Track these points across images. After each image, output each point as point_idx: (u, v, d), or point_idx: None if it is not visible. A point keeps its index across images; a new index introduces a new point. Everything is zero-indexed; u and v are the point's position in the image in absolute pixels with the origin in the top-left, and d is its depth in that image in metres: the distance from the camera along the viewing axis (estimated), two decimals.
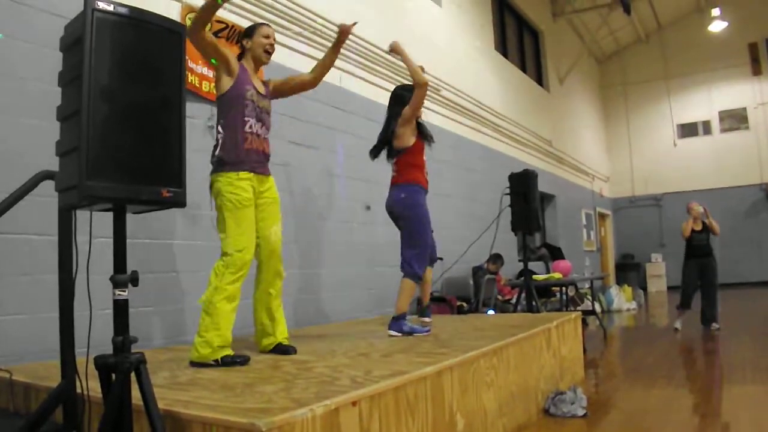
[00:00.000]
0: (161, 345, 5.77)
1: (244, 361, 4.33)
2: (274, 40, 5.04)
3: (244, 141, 4.66)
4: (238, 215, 4.55)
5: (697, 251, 11.23)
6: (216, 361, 4.31)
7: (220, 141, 4.66)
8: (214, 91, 6.48)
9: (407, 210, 6.03)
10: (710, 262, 11.17)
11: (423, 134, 6.26)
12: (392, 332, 5.86)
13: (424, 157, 6.26)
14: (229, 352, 4.37)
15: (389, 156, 6.28)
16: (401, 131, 6.12)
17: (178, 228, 6.25)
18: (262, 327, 4.91)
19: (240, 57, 4.96)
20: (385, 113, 6.35)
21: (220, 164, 4.63)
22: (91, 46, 2.51)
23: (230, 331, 4.42)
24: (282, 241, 4.90)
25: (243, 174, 4.63)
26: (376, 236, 8.29)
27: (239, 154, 4.64)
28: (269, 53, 5.00)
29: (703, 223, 11.32)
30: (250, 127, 4.71)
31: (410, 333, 5.79)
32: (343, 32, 5.26)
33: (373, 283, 8.57)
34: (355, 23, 5.31)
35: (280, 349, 4.81)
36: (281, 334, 4.90)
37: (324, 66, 5.36)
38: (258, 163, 4.75)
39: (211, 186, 4.66)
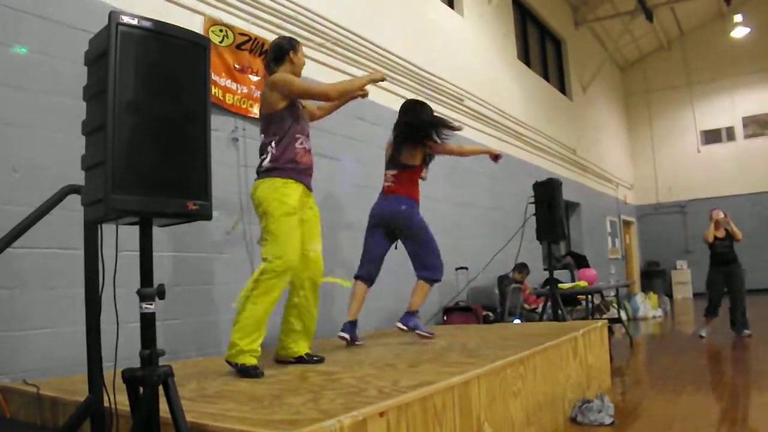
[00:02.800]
0: (188, 358, 5.78)
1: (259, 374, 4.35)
2: None
3: (296, 155, 4.83)
4: (281, 222, 4.63)
5: (721, 258, 11.12)
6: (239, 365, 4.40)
7: (271, 153, 4.79)
8: (238, 104, 6.55)
9: (411, 221, 6.24)
10: (735, 270, 11.02)
11: (426, 158, 6.44)
12: (399, 325, 6.23)
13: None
14: (252, 361, 4.40)
15: (391, 166, 6.40)
16: (414, 152, 6.29)
17: (205, 241, 6.27)
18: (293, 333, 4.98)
19: (271, 70, 5.05)
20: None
21: (266, 171, 4.76)
22: (115, 59, 2.51)
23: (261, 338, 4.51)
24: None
25: (290, 182, 4.76)
26: (400, 247, 8.25)
27: (290, 164, 4.80)
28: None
29: (726, 230, 11.17)
30: (302, 143, 4.90)
31: (414, 329, 6.21)
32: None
33: (398, 293, 8.53)
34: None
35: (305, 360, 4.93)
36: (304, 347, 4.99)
37: (332, 109, 5.70)
38: (307, 176, 4.94)
39: (253, 193, 4.79)
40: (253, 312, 4.43)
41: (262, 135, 4.89)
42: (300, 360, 4.90)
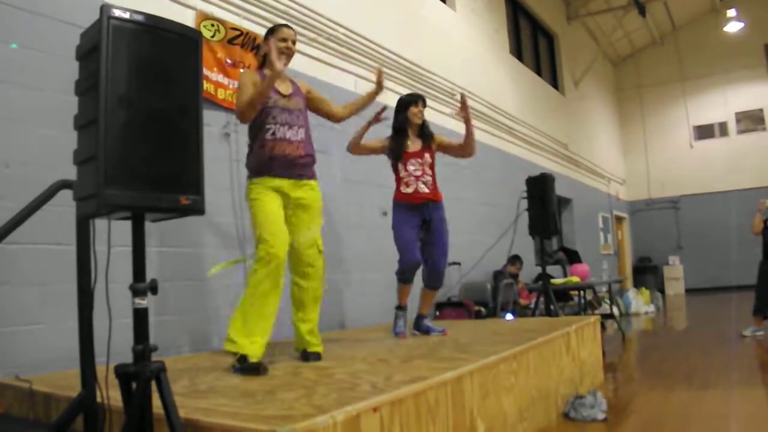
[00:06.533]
0: (181, 353, 5.77)
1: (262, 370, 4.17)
2: (294, 42, 4.88)
3: (263, 148, 4.63)
4: (264, 207, 4.54)
5: None
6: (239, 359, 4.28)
7: (248, 150, 4.79)
8: (230, 99, 6.52)
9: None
10: None
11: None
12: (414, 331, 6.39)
13: (409, 168, 6.49)
14: (250, 355, 4.28)
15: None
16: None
17: (197, 236, 6.25)
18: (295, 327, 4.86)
19: (262, 64, 4.97)
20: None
21: (248, 172, 4.73)
22: (107, 54, 2.49)
23: (260, 332, 4.38)
24: (315, 242, 4.84)
25: (265, 180, 4.63)
26: (393, 242, 8.31)
27: (261, 161, 4.65)
28: (286, 55, 4.81)
29: None
30: (273, 134, 4.65)
31: (427, 332, 6.30)
32: (379, 84, 5.48)
33: (389, 289, 8.53)
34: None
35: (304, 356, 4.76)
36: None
37: (356, 109, 5.54)
38: (286, 167, 4.68)
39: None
40: (243, 310, 4.40)
41: None
42: (303, 356, 4.76)
